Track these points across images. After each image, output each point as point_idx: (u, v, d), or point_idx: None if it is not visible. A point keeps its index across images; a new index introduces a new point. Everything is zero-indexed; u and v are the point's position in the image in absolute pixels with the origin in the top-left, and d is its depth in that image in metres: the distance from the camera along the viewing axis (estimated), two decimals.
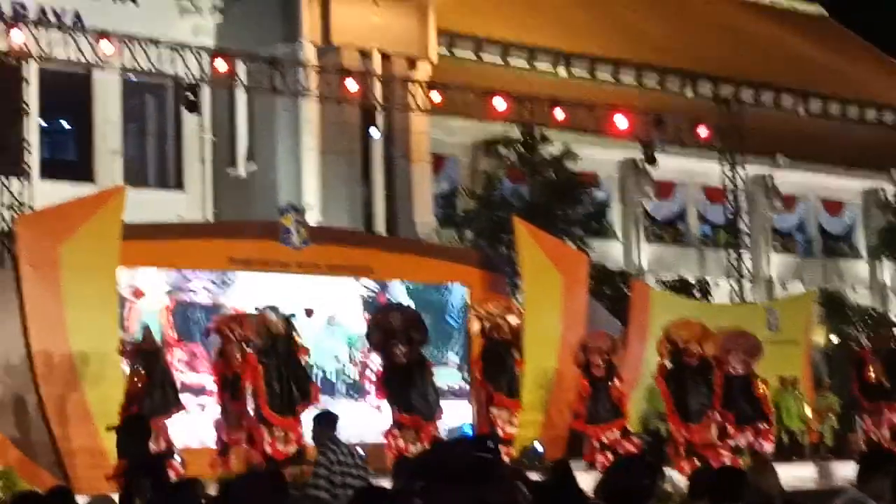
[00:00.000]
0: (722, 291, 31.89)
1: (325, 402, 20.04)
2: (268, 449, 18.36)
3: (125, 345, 18.86)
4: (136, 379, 18.32)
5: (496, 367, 21.66)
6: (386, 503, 3.41)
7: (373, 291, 23.24)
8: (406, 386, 20.01)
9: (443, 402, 20.74)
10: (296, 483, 13.97)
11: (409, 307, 21.82)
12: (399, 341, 20.14)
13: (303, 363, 19.28)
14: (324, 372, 22.59)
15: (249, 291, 21.43)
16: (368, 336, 20.91)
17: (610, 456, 19.81)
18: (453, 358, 23.87)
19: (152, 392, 18.32)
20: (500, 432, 20.81)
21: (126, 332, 19.43)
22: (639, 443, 21.18)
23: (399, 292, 23.47)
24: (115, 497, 10.39)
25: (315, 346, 20.94)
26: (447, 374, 23.33)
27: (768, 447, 21.55)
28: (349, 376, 23.07)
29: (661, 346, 21.50)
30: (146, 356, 18.50)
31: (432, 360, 21.13)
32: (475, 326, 21.89)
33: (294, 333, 19.14)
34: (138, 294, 20.81)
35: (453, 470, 3.40)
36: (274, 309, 19.22)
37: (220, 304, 21.42)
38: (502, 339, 21.64)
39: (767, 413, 21.96)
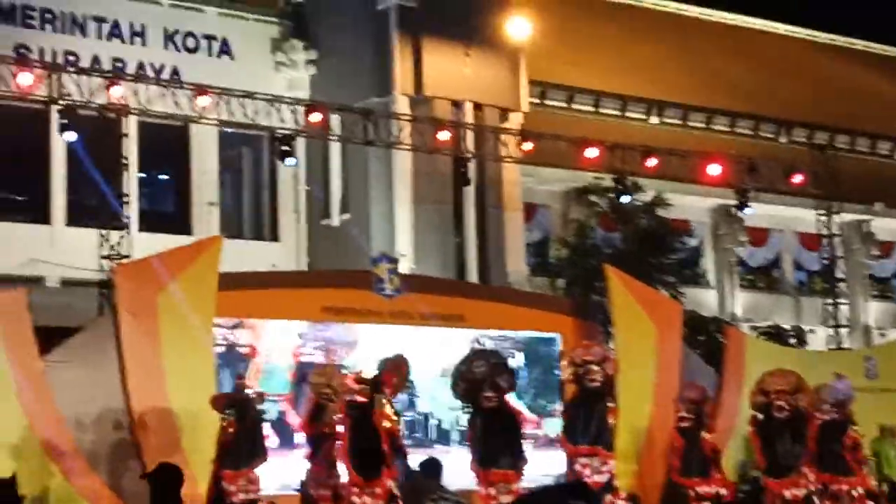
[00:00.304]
0: (818, 339, 31.52)
1: (440, 452, 20.02)
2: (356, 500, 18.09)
3: (216, 396, 19.01)
4: (226, 427, 18.43)
5: (587, 414, 21.37)
6: None
7: (489, 340, 23.27)
8: (492, 436, 19.76)
9: (549, 452, 20.46)
10: None
11: (494, 352, 21.58)
12: (484, 390, 19.92)
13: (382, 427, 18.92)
14: (439, 422, 22.67)
15: (369, 347, 21.53)
16: (454, 387, 20.69)
17: None
18: (559, 408, 23.78)
19: (241, 442, 18.39)
20: (587, 480, 20.51)
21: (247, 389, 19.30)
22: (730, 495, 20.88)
23: (510, 343, 23.46)
24: None
25: (430, 396, 21.00)
26: (554, 424, 23.21)
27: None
28: (463, 426, 23.06)
29: (752, 398, 21.14)
30: (238, 405, 18.61)
31: (540, 411, 20.95)
32: (567, 373, 21.67)
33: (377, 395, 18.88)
34: (253, 352, 21.02)
35: None
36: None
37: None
38: (594, 386, 21.35)
39: (861, 461, 21.51)
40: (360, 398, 17.99)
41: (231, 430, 18.31)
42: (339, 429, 18.01)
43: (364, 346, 21.82)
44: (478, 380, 19.73)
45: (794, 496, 20.14)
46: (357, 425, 17.96)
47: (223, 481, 17.95)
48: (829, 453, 20.99)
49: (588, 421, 20.92)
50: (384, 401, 18.43)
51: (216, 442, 18.32)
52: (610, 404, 21.38)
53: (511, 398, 20.12)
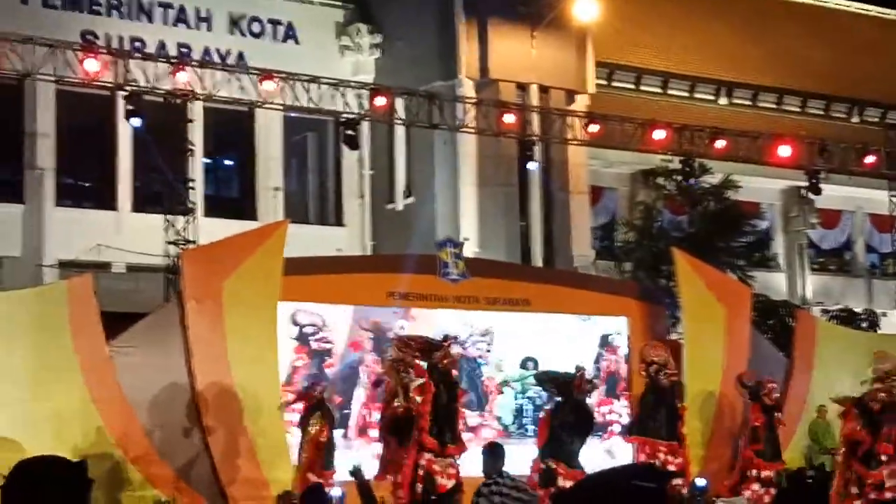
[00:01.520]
0: (891, 322, 31.06)
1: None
2: (437, 479, 17.87)
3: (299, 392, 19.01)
4: (320, 431, 18.37)
5: (652, 413, 21.29)
6: None
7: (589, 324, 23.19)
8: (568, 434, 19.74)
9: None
10: None
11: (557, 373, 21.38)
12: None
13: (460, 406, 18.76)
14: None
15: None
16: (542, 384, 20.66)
17: (771, 491, 19.42)
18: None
19: (329, 449, 18.43)
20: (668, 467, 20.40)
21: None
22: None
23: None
24: None
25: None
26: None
27: None
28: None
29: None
30: (322, 407, 18.59)
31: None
32: (640, 370, 21.55)
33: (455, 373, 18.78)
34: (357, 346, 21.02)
35: (616, 499, 3.30)
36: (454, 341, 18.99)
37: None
38: (668, 384, 21.29)
39: None
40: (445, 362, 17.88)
41: (324, 436, 18.27)
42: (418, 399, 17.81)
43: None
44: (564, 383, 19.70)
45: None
46: (441, 392, 17.81)
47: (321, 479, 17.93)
48: None
49: (657, 417, 20.92)
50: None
51: (306, 444, 18.28)
52: (678, 403, 21.35)
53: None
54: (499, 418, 22.59)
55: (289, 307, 20.78)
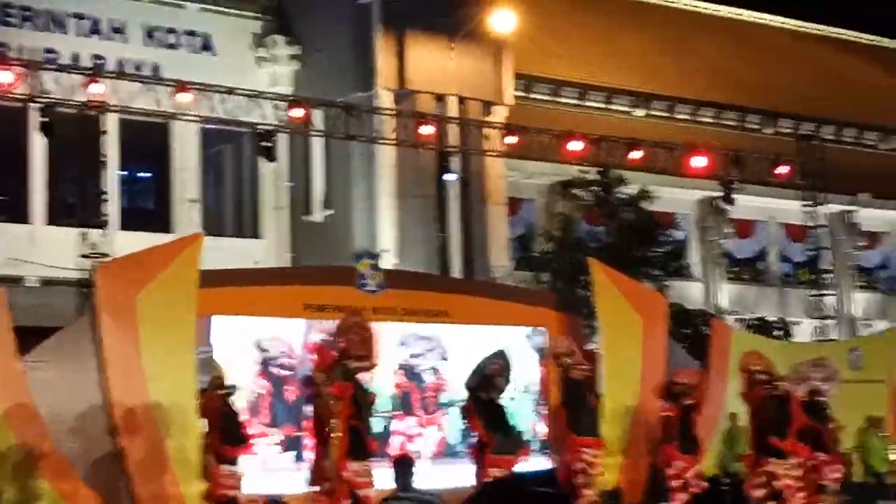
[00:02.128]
0: (804, 330, 31.49)
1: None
2: (359, 492, 17.97)
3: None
4: (222, 405, 18.43)
5: (577, 409, 21.32)
6: None
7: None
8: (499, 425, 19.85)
9: None
10: None
11: (502, 353, 21.52)
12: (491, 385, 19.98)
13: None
14: None
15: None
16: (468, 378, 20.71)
17: (685, 496, 19.56)
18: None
19: (228, 436, 18.41)
20: (584, 474, 20.44)
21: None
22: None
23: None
24: None
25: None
26: None
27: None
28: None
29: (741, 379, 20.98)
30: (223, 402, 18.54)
31: None
32: (553, 370, 21.60)
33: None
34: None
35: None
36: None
37: None
38: (580, 379, 21.29)
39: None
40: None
41: (228, 408, 18.30)
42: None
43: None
44: (488, 374, 19.85)
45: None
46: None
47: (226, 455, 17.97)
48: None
49: (579, 416, 20.96)
50: None
51: (204, 438, 18.27)
52: (594, 398, 21.41)
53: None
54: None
55: (253, 331, 20.80)
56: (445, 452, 22.81)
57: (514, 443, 19.82)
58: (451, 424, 22.82)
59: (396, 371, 22.67)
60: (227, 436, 18.41)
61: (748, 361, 20.59)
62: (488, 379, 19.82)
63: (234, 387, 18.80)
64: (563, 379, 21.24)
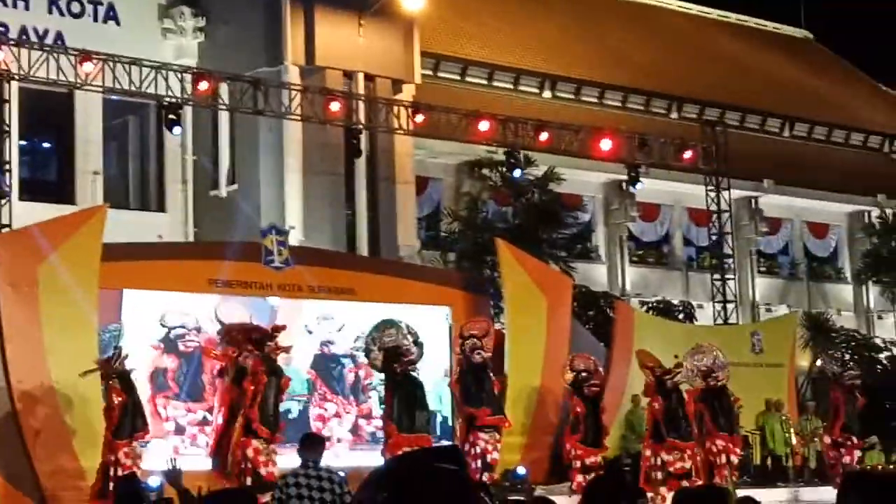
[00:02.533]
0: (706, 314, 31.81)
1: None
2: (262, 470, 18.00)
3: (102, 360, 18.59)
4: (114, 397, 18.16)
5: (476, 388, 21.37)
6: None
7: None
8: (405, 402, 19.88)
9: None
10: None
11: (404, 325, 21.50)
12: (397, 357, 20.01)
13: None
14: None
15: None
16: (368, 355, 20.69)
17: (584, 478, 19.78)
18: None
19: (127, 413, 18.16)
20: (487, 457, 20.53)
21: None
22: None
23: None
24: None
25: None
26: None
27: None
28: None
29: (644, 372, 21.35)
30: (121, 375, 18.28)
31: None
32: (456, 346, 21.64)
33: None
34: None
35: (417, 480, 3.25)
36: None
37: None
38: (481, 361, 21.35)
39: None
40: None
41: (119, 399, 18.06)
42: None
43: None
44: (391, 348, 19.87)
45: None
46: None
47: (118, 451, 17.82)
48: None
49: (478, 394, 21.02)
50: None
51: (104, 413, 18.07)
52: (493, 377, 21.51)
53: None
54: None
55: (157, 307, 20.59)
56: (365, 438, 22.86)
57: (423, 423, 19.95)
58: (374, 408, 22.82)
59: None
60: (125, 421, 18.22)
61: (643, 359, 21.05)
62: (392, 351, 19.87)
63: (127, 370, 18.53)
64: (462, 360, 21.31)
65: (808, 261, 40.80)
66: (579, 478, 20.59)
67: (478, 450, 20.43)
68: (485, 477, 19.96)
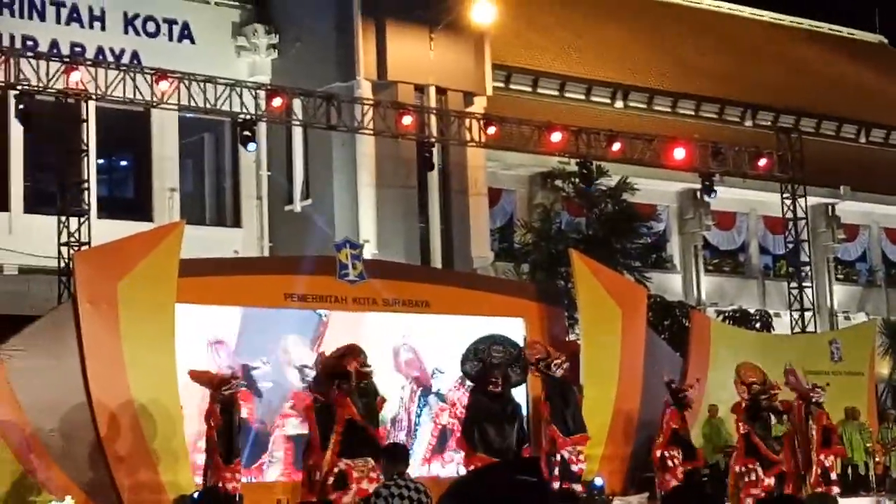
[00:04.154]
0: (783, 323, 31.51)
1: None
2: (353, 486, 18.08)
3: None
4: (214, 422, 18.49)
5: (560, 406, 21.34)
6: None
7: None
8: (487, 420, 19.87)
9: None
10: None
11: (513, 342, 21.57)
12: (496, 377, 20.05)
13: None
14: None
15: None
16: (464, 363, 20.74)
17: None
18: None
19: (227, 435, 18.48)
20: (572, 467, 20.52)
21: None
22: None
23: None
24: None
25: None
26: None
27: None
28: None
29: (737, 386, 21.09)
30: (224, 401, 18.57)
31: None
32: (532, 372, 21.56)
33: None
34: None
35: (498, 492, 3.29)
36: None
37: None
38: (563, 375, 21.37)
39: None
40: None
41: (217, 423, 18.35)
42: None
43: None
44: (493, 364, 19.90)
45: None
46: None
47: (219, 471, 18.11)
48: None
49: (562, 413, 21.01)
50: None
51: (207, 435, 18.35)
52: (577, 392, 21.52)
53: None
54: None
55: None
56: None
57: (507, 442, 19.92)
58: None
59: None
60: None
61: (745, 375, 20.74)
62: (492, 368, 19.94)
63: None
64: (544, 378, 21.30)
65: (886, 267, 40.32)
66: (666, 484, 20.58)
67: (561, 460, 20.45)
68: (577, 487, 20.00)
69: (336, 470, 17.69)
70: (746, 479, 20.08)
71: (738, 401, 20.67)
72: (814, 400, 21.10)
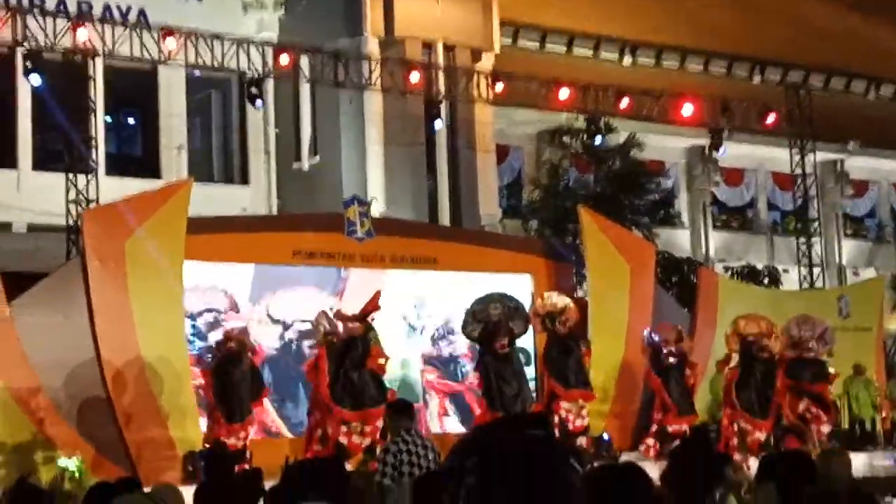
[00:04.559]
0: (791, 278, 31.52)
1: None
2: (343, 440, 18.29)
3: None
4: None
5: (563, 361, 21.36)
6: (440, 483, 3.33)
7: None
8: (501, 379, 19.96)
9: None
10: (364, 472, 13.98)
11: (510, 297, 21.59)
12: (499, 335, 20.12)
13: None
14: None
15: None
16: (465, 328, 20.81)
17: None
18: None
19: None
20: (570, 426, 20.56)
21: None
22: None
23: None
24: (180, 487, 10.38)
25: None
26: None
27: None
28: None
29: (730, 340, 21.23)
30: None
31: None
32: (537, 322, 21.58)
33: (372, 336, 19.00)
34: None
35: (505, 446, 3.30)
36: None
37: None
38: (567, 332, 21.33)
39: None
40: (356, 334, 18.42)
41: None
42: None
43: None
44: (494, 322, 19.96)
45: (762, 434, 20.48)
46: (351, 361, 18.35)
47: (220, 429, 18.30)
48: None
49: (565, 367, 21.04)
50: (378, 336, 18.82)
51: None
52: (584, 347, 21.52)
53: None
54: None
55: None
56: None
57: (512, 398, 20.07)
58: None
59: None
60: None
61: (746, 325, 20.77)
62: (496, 326, 20.02)
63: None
64: (548, 335, 21.35)
65: (894, 223, 40.25)
66: (650, 441, 20.69)
67: (558, 418, 20.47)
68: (582, 441, 20.09)
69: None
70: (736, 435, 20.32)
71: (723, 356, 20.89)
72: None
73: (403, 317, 22.84)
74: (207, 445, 17.64)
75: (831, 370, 21.76)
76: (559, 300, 21.44)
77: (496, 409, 19.57)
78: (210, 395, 18.55)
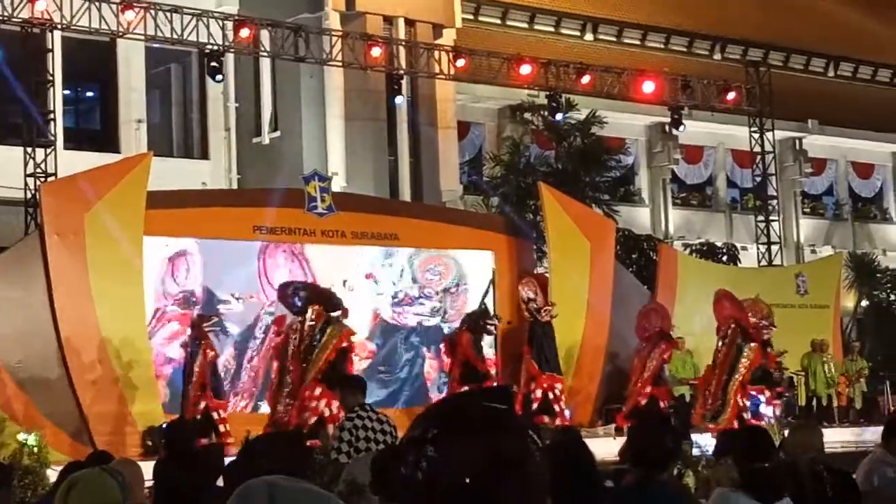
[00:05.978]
0: (750, 256, 31.70)
1: None
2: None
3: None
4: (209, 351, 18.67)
5: (541, 346, 21.81)
6: (399, 456, 3.33)
7: None
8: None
9: None
10: (319, 448, 13.99)
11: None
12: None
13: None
14: None
15: None
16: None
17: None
18: None
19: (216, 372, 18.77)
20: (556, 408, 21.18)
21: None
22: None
23: None
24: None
25: None
26: None
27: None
28: None
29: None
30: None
31: None
32: (522, 309, 22.19)
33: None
34: None
35: (466, 418, 3.31)
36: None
37: None
38: (548, 319, 21.94)
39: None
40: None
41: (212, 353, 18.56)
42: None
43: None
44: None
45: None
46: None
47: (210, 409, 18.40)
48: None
49: (540, 354, 21.45)
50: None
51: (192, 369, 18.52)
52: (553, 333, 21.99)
53: None
54: None
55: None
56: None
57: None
58: None
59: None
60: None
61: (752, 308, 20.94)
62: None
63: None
64: (531, 321, 21.73)
65: (852, 201, 40.57)
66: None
67: (538, 395, 21.02)
68: (545, 418, 20.38)
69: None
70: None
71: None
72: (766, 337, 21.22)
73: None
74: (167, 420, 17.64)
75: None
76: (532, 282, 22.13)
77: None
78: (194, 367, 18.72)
